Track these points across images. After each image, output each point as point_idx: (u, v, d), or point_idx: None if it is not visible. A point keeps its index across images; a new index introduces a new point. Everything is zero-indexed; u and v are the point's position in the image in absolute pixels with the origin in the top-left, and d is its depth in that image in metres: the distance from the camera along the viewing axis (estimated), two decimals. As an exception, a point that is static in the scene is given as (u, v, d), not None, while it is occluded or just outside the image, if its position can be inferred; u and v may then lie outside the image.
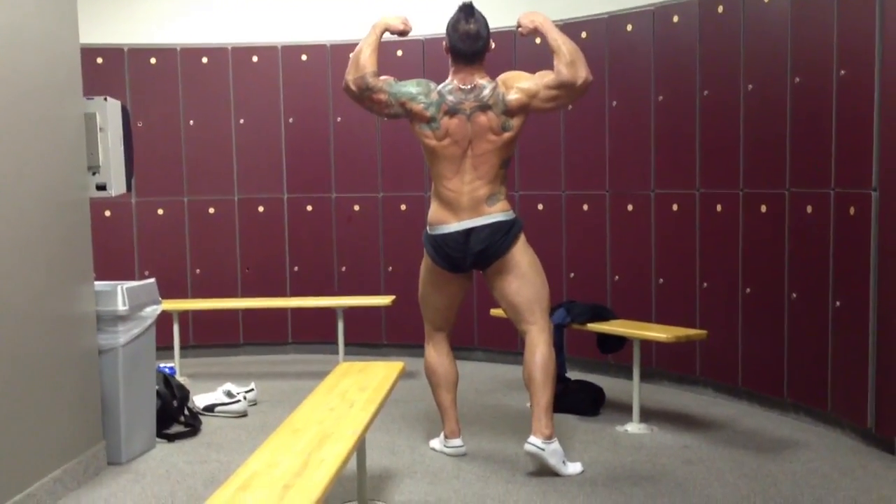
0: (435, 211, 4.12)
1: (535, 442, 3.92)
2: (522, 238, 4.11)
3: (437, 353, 4.27)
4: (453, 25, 4.04)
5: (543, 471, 3.93)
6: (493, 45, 4.12)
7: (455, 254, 4.05)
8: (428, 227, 4.14)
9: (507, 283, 4.09)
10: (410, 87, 4.06)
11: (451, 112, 4.00)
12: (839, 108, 4.29)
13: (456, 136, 4.01)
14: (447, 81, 4.06)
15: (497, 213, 4.04)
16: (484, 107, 3.98)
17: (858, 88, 4.16)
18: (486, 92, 3.99)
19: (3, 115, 3.36)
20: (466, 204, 4.03)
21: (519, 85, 4.03)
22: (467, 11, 4.04)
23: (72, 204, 3.91)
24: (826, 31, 4.34)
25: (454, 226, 4.04)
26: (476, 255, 4.03)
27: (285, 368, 6.30)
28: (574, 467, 3.97)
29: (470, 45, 4.01)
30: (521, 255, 4.09)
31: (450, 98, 4.01)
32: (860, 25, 4.14)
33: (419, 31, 6.23)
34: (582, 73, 3.95)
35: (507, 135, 4.02)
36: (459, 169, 4.04)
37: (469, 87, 4.01)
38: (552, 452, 3.91)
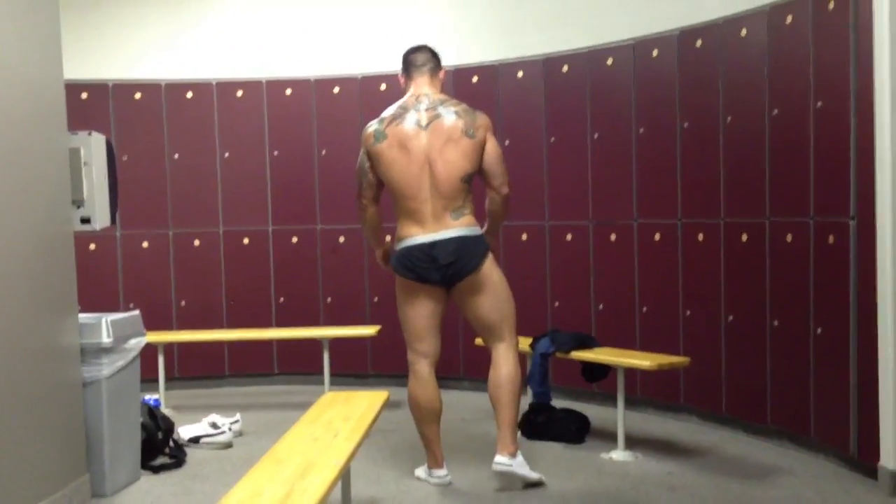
0: (401, 227, 4.16)
1: (502, 461, 4.05)
2: (490, 255, 4.16)
3: (420, 385, 4.20)
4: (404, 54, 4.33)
5: (513, 486, 4.06)
6: (443, 73, 4.31)
7: (420, 264, 4.06)
8: (395, 244, 4.19)
9: (480, 301, 4.13)
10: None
11: (398, 120, 4.11)
12: (817, 139, 4.36)
13: (408, 145, 4.07)
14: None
15: (462, 227, 4.08)
16: (450, 112, 4.10)
17: (835, 119, 4.23)
18: (452, 103, 4.15)
19: (-12, 149, 3.39)
20: (430, 217, 4.07)
21: (489, 147, 4.15)
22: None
23: (56, 237, 3.93)
24: (802, 63, 4.42)
25: (419, 238, 4.07)
26: (445, 267, 4.04)
27: (271, 399, 6.29)
28: (533, 475, 4.13)
29: (420, 51, 4.26)
30: (492, 273, 4.14)
31: (396, 111, 4.15)
32: (835, 58, 4.22)
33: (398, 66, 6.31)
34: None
35: (468, 141, 4.08)
36: (419, 188, 4.07)
37: (425, 96, 4.15)
38: (519, 465, 4.06)
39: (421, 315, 4.18)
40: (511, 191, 4.21)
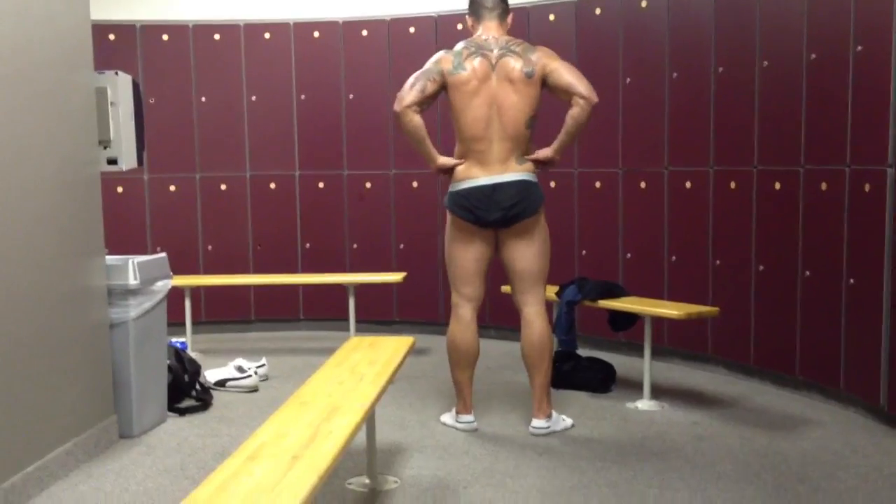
0: (462, 169, 4.11)
1: (539, 425, 4.14)
2: (543, 208, 4.17)
3: (460, 327, 4.21)
4: None
5: (551, 442, 3.98)
6: (511, 18, 4.21)
7: (479, 205, 4.05)
8: (452, 185, 4.15)
9: (525, 248, 4.13)
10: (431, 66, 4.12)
11: (475, 54, 4.05)
12: (855, 85, 4.25)
13: (481, 85, 4.04)
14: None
15: (525, 173, 4.09)
16: (511, 52, 4.05)
17: (875, 64, 4.11)
18: (514, 44, 4.08)
19: (13, 90, 3.36)
20: (496, 160, 4.06)
21: (557, 67, 4.06)
22: None
23: (83, 177, 3.91)
24: (843, 6, 4.29)
25: (482, 180, 4.05)
26: (506, 209, 4.03)
27: (296, 344, 6.31)
28: (567, 421, 4.24)
29: None
30: (544, 225, 4.18)
31: (472, 46, 4.08)
32: (877, 1, 4.09)
33: (432, 7, 6.21)
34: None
35: (528, 83, 4.02)
36: (487, 130, 4.04)
37: (494, 39, 4.09)
38: (555, 423, 4.16)
39: (470, 258, 4.18)
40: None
